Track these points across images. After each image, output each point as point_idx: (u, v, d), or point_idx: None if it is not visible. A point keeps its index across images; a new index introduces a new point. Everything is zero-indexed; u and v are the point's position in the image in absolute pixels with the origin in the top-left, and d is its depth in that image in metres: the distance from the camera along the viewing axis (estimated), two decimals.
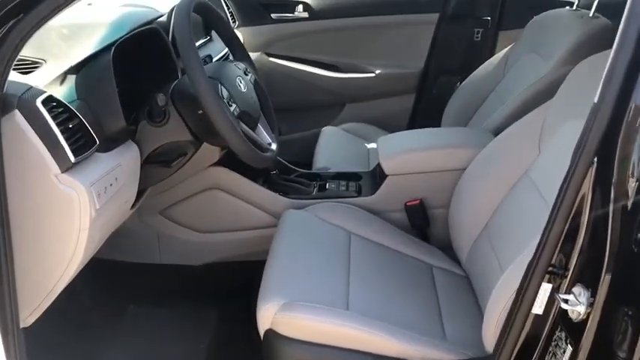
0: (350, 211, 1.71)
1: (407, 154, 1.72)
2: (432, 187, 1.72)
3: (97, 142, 1.11)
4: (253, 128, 1.37)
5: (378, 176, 1.81)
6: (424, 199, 1.72)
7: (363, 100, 2.58)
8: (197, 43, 1.70)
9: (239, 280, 1.82)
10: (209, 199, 1.75)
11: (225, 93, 1.25)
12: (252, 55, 2.53)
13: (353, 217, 1.69)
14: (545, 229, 0.98)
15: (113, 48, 1.21)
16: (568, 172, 0.93)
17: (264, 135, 1.43)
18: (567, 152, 0.94)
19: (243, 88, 1.34)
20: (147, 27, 1.38)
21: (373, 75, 2.51)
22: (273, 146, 1.44)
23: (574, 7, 1.99)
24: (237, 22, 2.46)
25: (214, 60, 1.64)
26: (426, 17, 2.44)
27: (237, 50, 1.49)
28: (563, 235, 0.96)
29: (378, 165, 1.82)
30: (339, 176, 1.90)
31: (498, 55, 2.23)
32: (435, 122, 2.32)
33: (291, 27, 2.55)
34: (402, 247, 1.63)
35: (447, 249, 1.68)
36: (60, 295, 1.18)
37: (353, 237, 1.61)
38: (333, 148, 2.24)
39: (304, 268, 1.43)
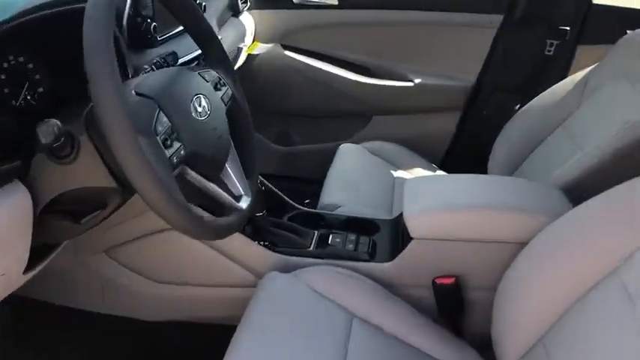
0: (356, 282, 1.24)
1: (442, 213, 1.23)
2: (473, 261, 1.24)
3: None
4: (213, 176, 0.91)
5: (401, 234, 1.33)
6: (460, 276, 1.24)
7: (395, 113, 2.08)
8: (168, 33, 1.23)
9: (204, 349, 1.39)
10: (168, 243, 1.30)
11: (163, 124, 0.78)
12: (265, 47, 2.08)
13: (359, 292, 1.22)
14: None
15: None
16: None
17: (233, 183, 0.96)
18: None
19: (202, 114, 0.87)
20: (71, 7, 0.92)
21: (411, 84, 2.01)
22: (244, 202, 0.96)
23: None
24: (249, 3, 1.99)
25: (179, 62, 1.17)
26: (486, 19, 1.92)
27: (210, 50, 1.02)
28: None
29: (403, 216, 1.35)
30: (348, 223, 1.43)
31: (574, 77, 1.71)
32: (483, 152, 1.84)
33: (316, 15, 2.06)
34: (422, 343, 1.17)
35: (485, 348, 1.21)
36: None
37: (355, 322, 1.16)
38: (350, 174, 1.77)
39: None
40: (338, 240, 1.33)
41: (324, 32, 2.05)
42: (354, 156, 1.88)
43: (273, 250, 1.30)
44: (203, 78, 0.94)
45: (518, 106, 1.92)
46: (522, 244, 1.16)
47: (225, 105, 0.97)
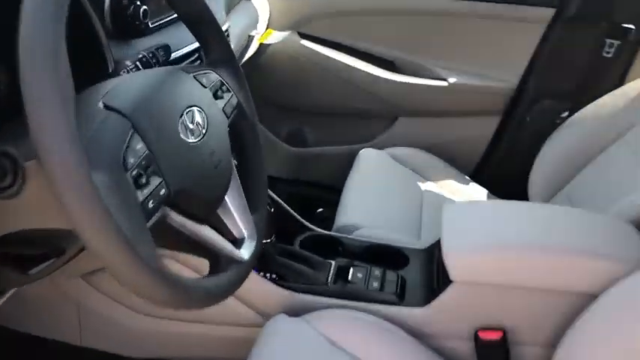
0: (381, 330, 1.02)
1: (491, 253, 1.00)
2: (526, 312, 1.01)
3: None
4: (206, 216, 0.68)
5: (436, 271, 1.11)
6: (509, 329, 1.02)
7: (423, 115, 1.84)
8: (162, 20, 1.00)
9: None
10: None
11: (137, 153, 0.55)
12: (280, 35, 1.84)
13: (384, 343, 1.00)
14: None
15: None
16: None
17: (233, 221, 0.73)
18: None
19: (194, 133, 0.64)
20: None
21: (444, 83, 1.77)
22: (246, 250, 0.74)
23: None
24: None
25: (172, 58, 0.93)
26: (534, 12, 1.67)
27: (212, 45, 0.78)
28: None
29: (439, 247, 1.13)
30: (371, 252, 1.21)
31: (637, 84, 1.47)
32: (523, 165, 1.61)
33: (339, 0, 1.82)
34: None
35: None
36: None
37: None
38: (371, 186, 1.55)
39: None
40: (360, 275, 1.11)
41: (348, 20, 1.81)
42: (376, 164, 1.66)
43: (282, 286, 1.08)
44: (200, 83, 0.71)
45: (566, 114, 1.68)
46: (590, 296, 0.94)
47: (228, 118, 0.74)
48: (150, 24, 0.95)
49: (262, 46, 1.76)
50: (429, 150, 1.77)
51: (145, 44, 0.90)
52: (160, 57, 0.85)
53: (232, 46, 1.29)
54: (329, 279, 1.10)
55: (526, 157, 1.63)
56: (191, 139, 0.64)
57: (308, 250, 1.21)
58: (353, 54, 1.83)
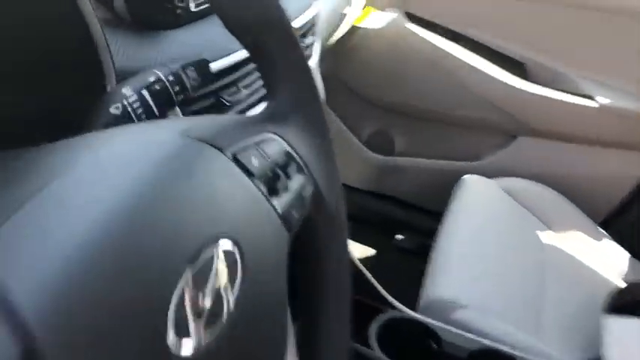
0: None
1: None
2: None
3: None
4: None
5: None
6: None
7: (552, 138, 1.42)
8: (204, 4, 0.63)
9: None
10: None
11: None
12: (383, 16, 1.43)
13: None
14: None
15: None
16: None
17: None
18: None
19: (206, 320, 0.28)
20: None
21: (591, 103, 1.33)
22: None
23: None
24: None
25: (214, 70, 0.55)
26: None
27: (280, 77, 0.40)
28: None
29: None
30: None
31: None
32: None
33: None
34: None
35: None
36: None
37: None
38: (474, 235, 1.16)
39: None
40: None
41: (473, 4, 1.38)
42: (484, 199, 1.27)
43: None
44: (244, 168, 0.35)
45: None
46: None
47: (290, 230, 0.37)
48: (193, 6, 0.59)
49: (354, 28, 1.37)
50: (551, 185, 1.36)
51: (175, 45, 0.54)
52: (190, 82, 0.48)
53: (320, 37, 0.91)
54: None
55: None
56: (191, 344, 0.27)
57: (388, 341, 0.85)
58: (472, 48, 1.41)
